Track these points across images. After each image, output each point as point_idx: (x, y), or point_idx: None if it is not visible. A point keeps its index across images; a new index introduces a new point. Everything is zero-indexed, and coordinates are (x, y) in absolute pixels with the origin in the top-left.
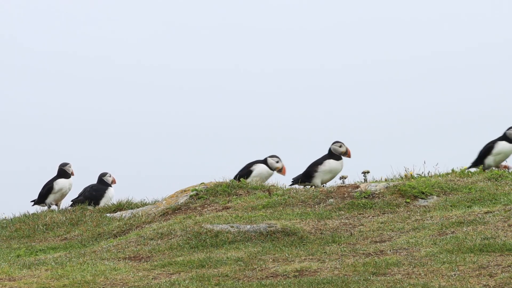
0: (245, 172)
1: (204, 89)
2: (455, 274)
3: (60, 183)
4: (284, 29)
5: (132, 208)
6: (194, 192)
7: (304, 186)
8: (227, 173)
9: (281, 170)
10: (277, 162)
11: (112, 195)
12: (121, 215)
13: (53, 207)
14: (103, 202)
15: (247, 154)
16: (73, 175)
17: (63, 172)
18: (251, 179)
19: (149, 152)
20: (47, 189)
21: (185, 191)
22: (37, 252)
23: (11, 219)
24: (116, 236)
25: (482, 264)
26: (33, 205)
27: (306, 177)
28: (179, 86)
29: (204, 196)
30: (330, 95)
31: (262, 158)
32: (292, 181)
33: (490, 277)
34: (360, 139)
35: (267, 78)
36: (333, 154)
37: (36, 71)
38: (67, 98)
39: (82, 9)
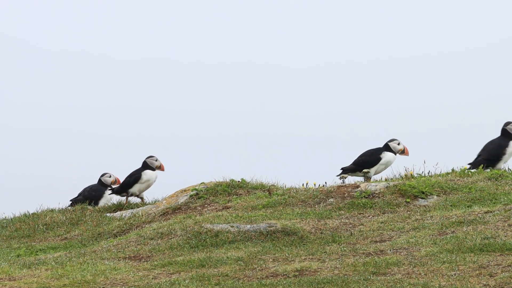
0: (375, 158)
1: (204, 88)
2: (455, 274)
3: (148, 173)
4: (284, 26)
5: (132, 208)
6: (194, 192)
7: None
8: (227, 173)
9: (403, 152)
10: (398, 144)
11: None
12: (121, 215)
13: (135, 199)
14: (102, 203)
15: (247, 154)
16: (161, 169)
17: (147, 165)
18: (378, 167)
19: (149, 152)
20: (134, 178)
21: (185, 190)
22: (37, 251)
23: (11, 219)
24: (116, 236)
25: (482, 264)
26: (110, 194)
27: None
28: (179, 86)
29: (204, 195)
30: (330, 95)
31: (358, 152)
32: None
33: (490, 276)
34: (360, 138)
35: (267, 76)
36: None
37: (34, 70)
38: (66, 98)
39: (81, 6)
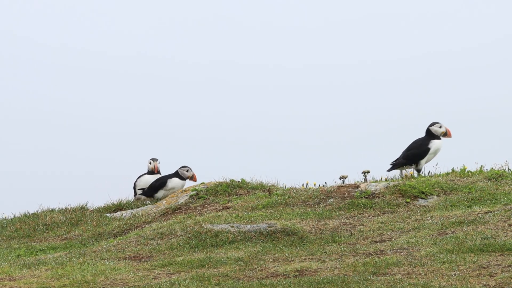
0: (424, 149)
1: (204, 89)
2: (455, 274)
3: (173, 182)
4: (284, 26)
5: (132, 208)
6: (194, 192)
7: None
8: (227, 173)
9: (446, 134)
10: (440, 127)
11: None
12: (121, 215)
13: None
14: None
15: (247, 154)
16: (193, 180)
17: (178, 173)
18: (428, 157)
19: (149, 151)
20: (160, 184)
21: (185, 191)
22: (37, 252)
23: (11, 219)
24: (116, 236)
25: (482, 264)
26: (140, 194)
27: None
28: (179, 86)
29: (204, 196)
30: (330, 94)
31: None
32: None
33: (490, 277)
34: (360, 138)
35: (267, 76)
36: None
37: (33, 65)
38: (66, 97)
39: (80, 3)
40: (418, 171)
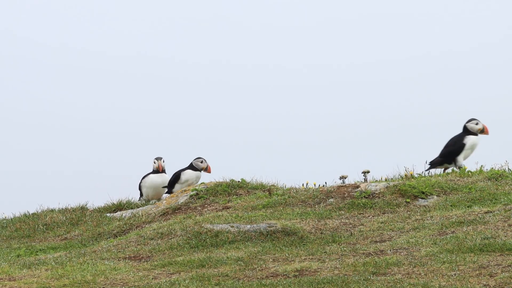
0: (459, 146)
1: (204, 89)
2: (455, 274)
3: (187, 174)
4: (284, 26)
5: (132, 208)
6: (194, 192)
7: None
8: (227, 173)
9: (483, 131)
10: (477, 124)
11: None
12: (121, 215)
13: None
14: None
15: (247, 154)
16: (208, 171)
17: (192, 165)
18: (464, 153)
19: (149, 151)
20: (174, 177)
21: (185, 190)
22: (37, 252)
23: (11, 219)
24: (116, 236)
25: (482, 264)
26: (166, 193)
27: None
28: (179, 86)
29: (204, 196)
30: (330, 94)
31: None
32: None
33: (490, 276)
34: (360, 138)
35: (267, 76)
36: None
37: (33, 66)
38: (65, 97)
39: (80, 3)
40: (459, 168)
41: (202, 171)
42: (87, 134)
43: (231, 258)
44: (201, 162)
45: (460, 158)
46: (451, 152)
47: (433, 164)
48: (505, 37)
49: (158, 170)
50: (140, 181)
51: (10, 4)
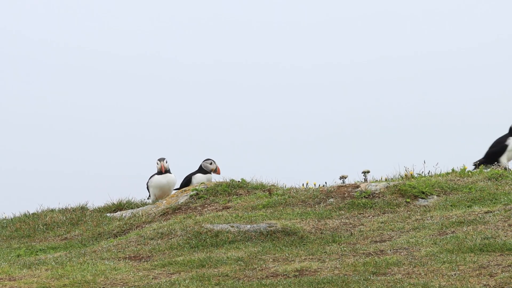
0: (501, 147)
1: (204, 89)
2: (455, 274)
3: (198, 177)
4: (285, 25)
5: (132, 208)
6: (194, 192)
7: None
8: (227, 173)
9: None
10: None
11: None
12: (121, 215)
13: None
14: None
15: (247, 154)
16: (217, 173)
17: (201, 168)
18: (507, 154)
19: (149, 151)
20: (186, 181)
21: (185, 190)
22: (37, 251)
23: (11, 219)
24: (116, 236)
25: (482, 264)
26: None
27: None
28: (179, 86)
29: (204, 195)
30: (330, 93)
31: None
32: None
33: (490, 276)
34: (360, 138)
35: (267, 76)
36: None
37: (33, 65)
38: (65, 97)
39: (80, 3)
40: (504, 169)
41: (212, 173)
42: (87, 134)
43: (231, 258)
44: (210, 163)
45: (503, 159)
46: (494, 153)
47: (477, 165)
48: (505, 37)
49: (161, 171)
50: (147, 182)
51: (10, 4)
